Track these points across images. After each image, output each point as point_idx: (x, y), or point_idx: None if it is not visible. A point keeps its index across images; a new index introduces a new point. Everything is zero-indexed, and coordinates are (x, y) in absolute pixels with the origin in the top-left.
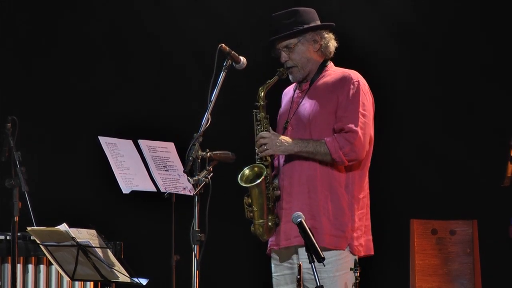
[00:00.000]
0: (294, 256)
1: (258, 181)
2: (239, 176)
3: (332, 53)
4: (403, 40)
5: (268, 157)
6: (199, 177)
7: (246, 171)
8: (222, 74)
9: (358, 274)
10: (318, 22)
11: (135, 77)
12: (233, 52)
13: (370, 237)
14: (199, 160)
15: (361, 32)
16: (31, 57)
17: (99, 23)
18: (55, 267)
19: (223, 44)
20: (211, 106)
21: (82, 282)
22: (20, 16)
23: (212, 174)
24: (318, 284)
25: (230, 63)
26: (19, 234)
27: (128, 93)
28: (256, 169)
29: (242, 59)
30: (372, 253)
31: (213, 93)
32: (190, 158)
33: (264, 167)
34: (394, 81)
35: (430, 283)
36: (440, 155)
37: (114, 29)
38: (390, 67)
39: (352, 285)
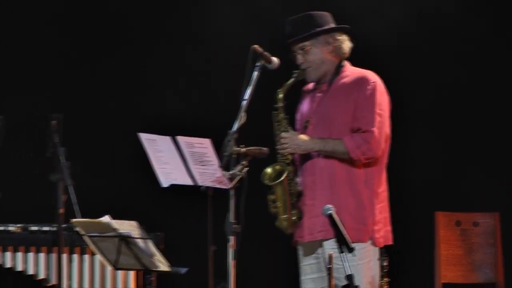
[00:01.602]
0: (319, 250)
1: (281, 179)
2: (262, 175)
3: (347, 53)
4: (419, 37)
5: (289, 156)
6: (234, 171)
7: (268, 169)
8: (255, 74)
9: (386, 264)
10: (332, 25)
11: (175, 76)
12: (265, 53)
13: (389, 228)
14: (235, 156)
15: (377, 30)
16: (77, 56)
17: (137, 21)
18: (98, 257)
19: (255, 45)
20: (245, 104)
21: (124, 271)
22: (69, 16)
23: (247, 168)
24: (349, 273)
25: (263, 63)
26: (64, 225)
27: (167, 92)
28: (277, 167)
29: (274, 59)
30: (391, 242)
31: (247, 92)
32: (226, 153)
33: (286, 165)
34: (413, 75)
35: (454, 272)
36: (462, 149)
37: (152, 28)
38: (406, 61)
39: (381, 274)
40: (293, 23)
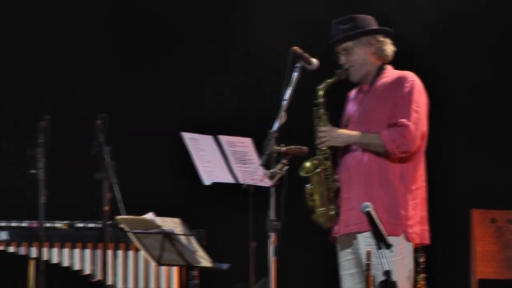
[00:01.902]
0: (354, 242)
1: (317, 170)
2: (300, 168)
3: (390, 56)
4: (456, 38)
5: (327, 150)
6: (275, 169)
7: (307, 163)
8: (295, 75)
9: (423, 260)
10: (375, 27)
11: (217, 77)
12: (305, 54)
13: (426, 227)
14: (275, 154)
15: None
16: (122, 59)
17: (179, 24)
18: (142, 253)
19: (295, 47)
20: (285, 104)
21: (167, 267)
22: (117, 20)
23: (287, 167)
24: (386, 268)
25: (303, 64)
26: (109, 222)
27: (209, 92)
28: (315, 161)
29: (314, 60)
30: (428, 242)
31: (287, 92)
32: (267, 152)
33: (323, 160)
34: (448, 74)
35: (489, 268)
36: (498, 147)
37: (195, 30)
38: (440, 61)
39: (418, 270)
40: (337, 25)
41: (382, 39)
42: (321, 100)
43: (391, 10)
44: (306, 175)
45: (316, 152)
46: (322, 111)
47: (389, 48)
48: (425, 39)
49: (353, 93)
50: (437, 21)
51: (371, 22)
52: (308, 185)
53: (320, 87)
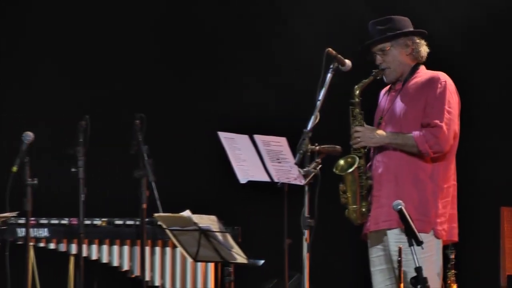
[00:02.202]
0: (384, 238)
1: (351, 169)
2: (335, 166)
3: (424, 57)
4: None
5: (361, 149)
6: (309, 168)
7: (341, 161)
8: (329, 76)
9: (453, 256)
10: (411, 29)
11: (253, 78)
12: (339, 55)
13: (455, 225)
14: (309, 153)
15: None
16: (162, 62)
17: (217, 25)
18: (179, 249)
19: (330, 48)
20: (319, 104)
21: (204, 263)
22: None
23: (320, 165)
24: (417, 265)
25: (336, 65)
26: (147, 220)
27: (245, 92)
28: (349, 159)
29: (348, 62)
30: (456, 239)
31: (321, 93)
32: (301, 151)
33: (357, 158)
34: (480, 74)
35: None
36: None
37: (233, 31)
38: (473, 60)
39: (448, 266)
40: (375, 25)
41: (418, 40)
42: (357, 99)
43: (423, 8)
44: (341, 173)
45: (350, 151)
46: (357, 110)
47: (424, 49)
48: (457, 38)
49: (385, 90)
50: (469, 19)
51: (408, 24)
52: (341, 182)
53: (357, 86)
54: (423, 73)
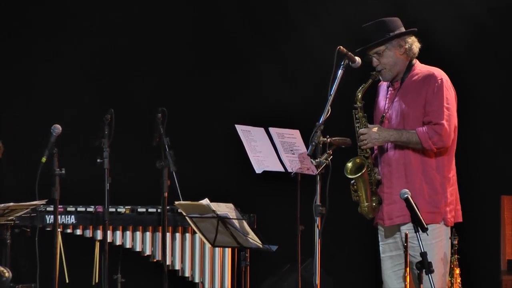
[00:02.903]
0: (397, 233)
1: (362, 172)
2: (344, 169)
3: (416, 53)
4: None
5: (368, 150)
6: (320, 159)
7: (349, 164)
8: (340, 72)
9: (456, 242)
10: (402, 29)
11: (269, 74)
12: (349, 53)
13: (459, 207)
14: (321, 145)
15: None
16: (187, 61)
17: (237, 23)
18: (198, 235)
19: (341, 46)
20: (330, 99)
21: (221, 248)
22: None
23: (331, 157)
24: (422, 250)
25: (347, 62)
26: (168, 207)
27: (261, 88)
28: (358, 160)
29: (357, 59)
30: (461, 220)
31: (332, 88)
32: (313, 143)
33: (365, 159)
34: (476, 69)
35: None
36: None
37: (252, 30)
38: (468, 58)
39: (452, 251)
40: (368, 30)
41: (409, 39)
42: (359, 104)
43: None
44: (352, 177)
45: (358, 151)
46: (360, 114)
47: (416, 46)
48: (460, 34)
49: (384, 86)
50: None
51: (399, 23)
52: (353, 183)
53: (358, 91)
54: (419, 69)
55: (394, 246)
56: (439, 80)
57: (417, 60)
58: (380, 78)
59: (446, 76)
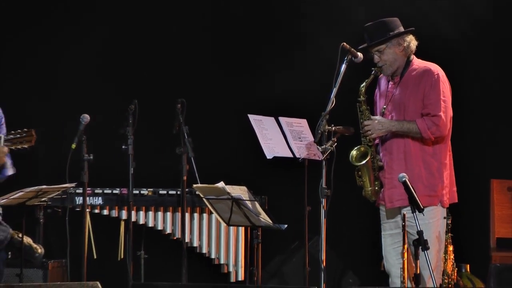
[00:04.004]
0: (398, 215)
1: (367, 159)
2: (350, 157)
3: (414, 50)
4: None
5: (371, 139)
6: (326, 146)
7: (354, 152)
8: (343, 66)
9: (450, 222)
10: (401, 28)
11: (280, 68)
12: (352, 49)
13: (454, 188)
14: (326, 133)
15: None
16: (206, 55)
17: (251, 21)
18: (214, 215)
19: (344, 43)
20: (335, 91)
21: (235, 227)
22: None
23: (336, 143)
24: (419, 229)
25: (350, 57)
26: (187, 190)
27: (272, 80)
28: (362, 149)
29: (359, 54)
30: (456, 201)
31: (337, 81)
32: (319, 131)
33: (368, 147)
34: (470, 61)
35: (506, 228)
36: None
37: (265, 27)
38: (462, 52)
39: (445, 230)
40: (370, 30)
41: (408, 38)
42: (362, 98)
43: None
44: (357, 164)
45: (362, 141)
46: (364, 107)
47: (413, 43)
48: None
49: (384, 79)
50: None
51: (398, 23)
52: (357, 169)
53: (362, 86)
54: (417, 64)
55: (394, 225)
56: (436, 75)
57: (414, 56)
58: (382, 73)
59: (442, 71)
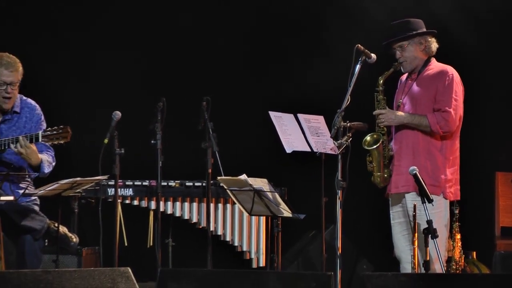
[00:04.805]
0: (403, 200)
1: (377, 145)
2: (363, 141)
3: (434, 52)
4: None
5: (384, 128)
6: (341, 141)
7: (368, 137)
8: (358, 67)
9: (457, 212)
10: (424, 29)
11: (299, 69)
12: (366, 50)
13: (458, 187)
14: (342, 129)
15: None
16: (229, 54)
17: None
18: (237, 205)
19: (359, 44)
20: (350, 89)
21: (257, 216)
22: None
23: (351, 139)
24: (428, 218)
25: (364, 58)
26: (211, 182)
27: (292, 80)
28: (375, 136)
29: (373, 55)
30: (459, 198)
31: (352, 80)
32: (335, 127)
33: (381, 135)
34: (478, 62)
35: (510, 218)
36: None
37: (289, 32)
38: (471, 54)
39: (453, 219)
40: (394, 27)
41: (429, 39)
42: (380, 88)
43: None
44: (369, 148)
45: (375, 129)
46: (381, 96)
47: (434, 45)
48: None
49: (404, 78)
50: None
51: (422, 25)
52: (368, 154)
53: (380, 77)
54: (434, 65)
55: (402, 214)
56: (450, 76)
57: (433, 58)
58: (401, 69)
59: (456, 73)
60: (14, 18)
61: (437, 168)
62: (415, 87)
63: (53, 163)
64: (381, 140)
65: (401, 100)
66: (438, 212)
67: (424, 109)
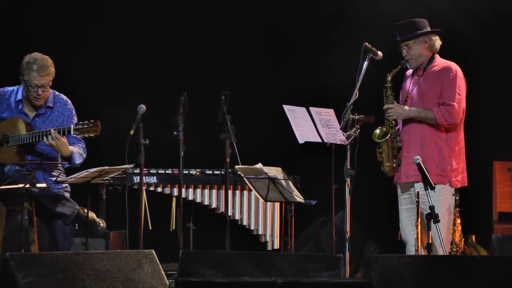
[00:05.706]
0: (412, 189)
1: (386, 137)
2: (373, 134)
3: (438, 49)
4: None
5: (393, 121)
6: (350, 132)
7: (377, 130)
8: (365, 63)
9: (458, 198)
10: (429, 29)
11: (311, 65)
12: (373, 48)
13: (465, 174)
14: (350, 121)
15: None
16: (245, 51)
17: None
18: (254, 192)
19: (366, 43)
20: (358, 85)
21: (272, 203)
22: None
23: (359, 130)
24: (431, 204)
25: (371, 55)
26: (230, 170)
27: (304, 76)
28: (384, 129)
29: (380, 53)
30: (466, 184)
31: (359, 76)
32: (344, 119)
33: (390, 128)
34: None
35: (507, 204)
36: None
37: (305, 30)
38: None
39: (454, 205)
40: (401, 27)
41: (433, 37)
42: (389, 84)
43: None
44: (378, 141)
45: (384, 122)
46: (389, 92)
47: (438, 43)
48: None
49: (409, 73)
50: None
51: (426, 24)
52: (378, 146)
53: (388, 74)
54: (439, 62)
55: (410, 201)
56: (454, 71)
57: (437, 55)
58: (408, 66)
59: (460, 69)
60: (43, 15)
61: (443, 158)
62: (421, 83)
63: (84, 155)
64: (390, 133)
65: (408, 95)
66: (445, 199)
67: (430, 103)
